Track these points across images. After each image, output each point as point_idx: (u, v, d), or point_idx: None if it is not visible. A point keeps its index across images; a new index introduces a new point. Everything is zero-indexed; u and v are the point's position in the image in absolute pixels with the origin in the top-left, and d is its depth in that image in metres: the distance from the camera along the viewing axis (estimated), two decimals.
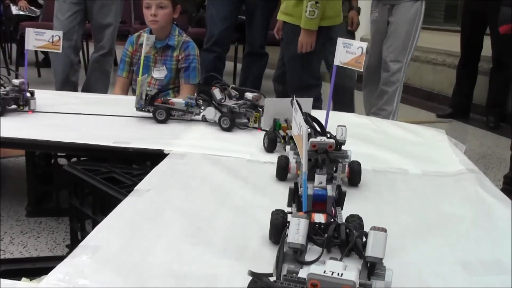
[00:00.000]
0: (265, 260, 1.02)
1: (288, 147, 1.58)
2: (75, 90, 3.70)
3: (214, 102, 2.04)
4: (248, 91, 2.07)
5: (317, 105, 3.06)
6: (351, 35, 3.71)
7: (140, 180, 1.46)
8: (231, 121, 1.99)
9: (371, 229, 0.87)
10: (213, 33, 3.63)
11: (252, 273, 0.84)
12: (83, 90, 3.72)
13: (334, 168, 1.39)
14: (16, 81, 2.15)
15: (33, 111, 2.17)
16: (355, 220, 1.05)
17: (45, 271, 0.96)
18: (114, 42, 3.77)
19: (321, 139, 1.35)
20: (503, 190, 1.54)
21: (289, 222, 0.91)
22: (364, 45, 1.68)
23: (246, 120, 2.05)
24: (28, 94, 2.17)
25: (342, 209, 1.14)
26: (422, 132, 2.24)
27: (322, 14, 2.91)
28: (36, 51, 5.72)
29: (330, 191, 1.14)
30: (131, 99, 2.20)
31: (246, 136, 1.95)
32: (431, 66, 5.96)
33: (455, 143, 2.06)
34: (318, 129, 1.48)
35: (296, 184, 1.16)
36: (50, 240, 2.13)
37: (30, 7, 6.16)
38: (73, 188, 1.70)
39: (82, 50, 5.07)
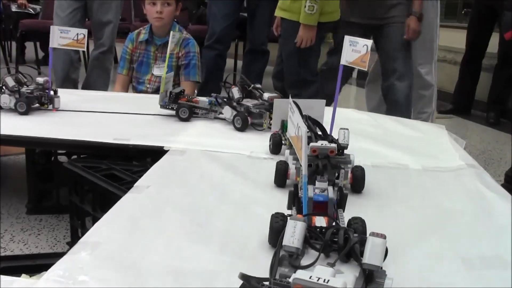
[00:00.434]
0: (264, 257, 1.02)
1: (287, 151, 1.48)
2: (75, 87, 3.70)
3: (232, 101, 2.00)
4: (262, 90, 2.02)
5: None
6: (406, 45, 3.16)
7: (140, 176, 1.46)
8: (243, 121, 1.94)
9: (370, 234, 0.85)
10: (215, 30, 3.62)
11: (242, 276, 0.82)
12: (83, 88, 3.72)
13: (336, 174, 1.30)
14: (40, 80, 2.14)
15: (57, 109, 2.16)
16: (358, 223, 1.02)
17: (45, 267, 0.96)
18: (114, 39, 3.77)
19: (322, 143, 1.27)
20: (503, 187, 1.54)
21: None
22: (369, 42, 1.60)
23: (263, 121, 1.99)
24: (52, 93, 2.17)
25: (344, 211, 1.11)
26: (422, 127, 2.24)
27: (321, 9, 2.91)
28: (35, 49, 5.74)
29: (332, 193, 1.11)
30: (132, 96, 2.20)
31: (247, 133, 1.95)
32: None
33: (455, 139, 2.06)
34: (320, 132, 1.43)
35: (296, 186, 1.14)
36: (51, 237, 2.13)
37: (29, 5, 6.16)
38: (73, 185, 1.70)
39: None
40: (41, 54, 6.00)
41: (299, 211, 1.07)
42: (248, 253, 1.06)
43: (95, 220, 1.49)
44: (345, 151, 1.37)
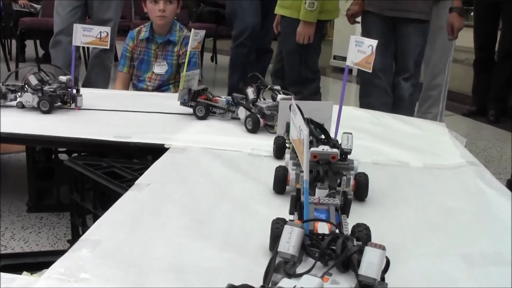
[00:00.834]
0: (264, 255, 1.02)
1: (287, 156, 1.40)
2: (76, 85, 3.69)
3: (247, 102, 1.96)
4: (282, 92, 1.97)
5: (316, 98, 3.07)
6: (422, 47, 3.02)
7: (141, 174, 1.46)
8: (254, 123, 1.89)
9: (368, 245, 0.82)
10: (248, 24, 3.49)
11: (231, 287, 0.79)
12: (84, 86, 3.70)
13: (338, 181, 1.24)
14: (63, 78, 2.15)
15: (79, 108, 2.17)
16: (362, 231, 0.96)
17: (46, 265, 0.96)
18: (115, 37, 3.77)
19: (323, 149, 1.22)
20: None
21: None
22: (374, 43, 1.51)
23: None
24: (75, 91, 2.17)
25: (348, 217, 1.07)
26: (422, 125, 2.24)
27: (321, 7, 2.91)
28: (35, 47, 5.73)
29: (333, 211, 1.04)
30: (133, 94, 2.20)
31: (250, 131, 1.94)
32: None
33: (455, 136, 2.06)
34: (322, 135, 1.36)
35: (298, 190, 1.09)
36: (51, 235, 2.13)
37: (31, 4, 6.15)
38: (73, 183, 1.70)
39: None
40: (41, 52, 5.99)
41: (301, 217, 1.03)
42: (248, 251, 1.06)
43: (95, 218, 1.49)
44: (349, 156, 1.32)
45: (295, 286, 0.73)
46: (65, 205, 2.17)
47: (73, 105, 2.16)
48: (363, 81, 3.16)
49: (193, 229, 1.14)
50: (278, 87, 2.00)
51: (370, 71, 1.57)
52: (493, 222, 1.27)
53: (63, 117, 2.06)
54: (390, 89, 3.06)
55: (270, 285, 0.81)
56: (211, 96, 2.11)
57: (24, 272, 1.08)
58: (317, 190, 1.11)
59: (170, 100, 2.24)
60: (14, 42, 6.40)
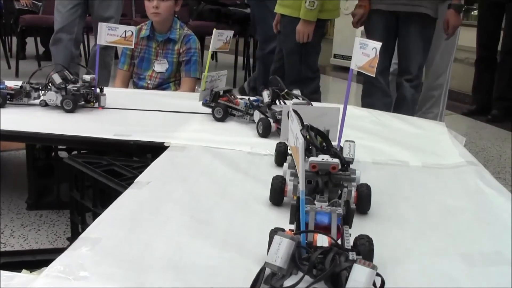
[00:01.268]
0: (264, 255, 1.02)
1: (285, 164, 1.31)
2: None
3: (263, 106, 1.94)
4: (297, 97, 1.94)
5: (315, 97, 3.08)
6: (426, 49, 2.99)
7: (141, 172, 1.46)
8: (265, 127, 1.86)
9: (356, 262, 0.78)
10: (273, 30, 3.36)
11: None
12: None
13: (339, 192, 1.17)
14: (87, 77, 2.14)
15: (103, 107, 2.17)
16: (364, 244, 0.91)
17: (45, 263, 0.96)
18: None
19: (322, 158, 1.13)
20: None
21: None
22: (378, 45, 1.40)
23: None
24: (98, 90, 2.17)
25: (350, 227, 1.00)
26: (422, 124, 2.24)
27: (321, 6, 2.90)
28: (36, 44, 5.73)
29: (335, 217, 0.97)
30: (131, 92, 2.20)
31: (247, 129, 1.95)
32: None
33: (455, 136, 2.06)
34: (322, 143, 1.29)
35: (299, 199, 1.01)
36: (51, 233, 2.13)
37: (33, 2, 6.15)
38: (73, 181, 1.70)
39: (82, 43, 5.05)
40: (41, 49, 5.99)
41: (299, 228, 0.95)
42: (248, 250, 1.06)
43: (95, 215, 1.49)
44: (351, 166, 1.26)
45: None
46: (64, 203, 2.17)
47: (96, 104, 2.16)
48: (365, 82, 3.15)
49: (193, 228, 1.14)
50: (298, 92, 1.97)
51: (374, 75, 1.48)
52: (493, 221, 1.27)
53: (87, 116, 2.06)
54: (389, 89, 3.06)
55: None
56: (232, 98, 2.08)
57: (24, 270, 1.08)
58: (316, 202, 1.06)
59: (170, 98, 2.24)
60: (14, 39, 6.40)
